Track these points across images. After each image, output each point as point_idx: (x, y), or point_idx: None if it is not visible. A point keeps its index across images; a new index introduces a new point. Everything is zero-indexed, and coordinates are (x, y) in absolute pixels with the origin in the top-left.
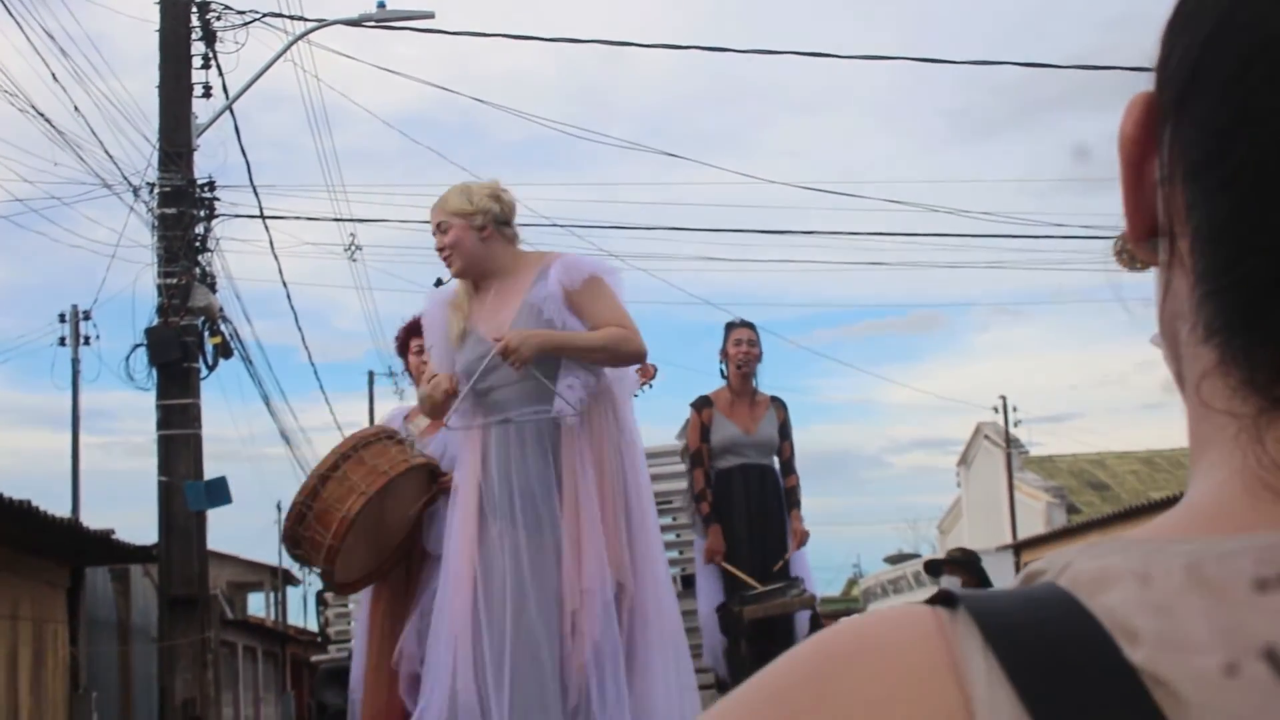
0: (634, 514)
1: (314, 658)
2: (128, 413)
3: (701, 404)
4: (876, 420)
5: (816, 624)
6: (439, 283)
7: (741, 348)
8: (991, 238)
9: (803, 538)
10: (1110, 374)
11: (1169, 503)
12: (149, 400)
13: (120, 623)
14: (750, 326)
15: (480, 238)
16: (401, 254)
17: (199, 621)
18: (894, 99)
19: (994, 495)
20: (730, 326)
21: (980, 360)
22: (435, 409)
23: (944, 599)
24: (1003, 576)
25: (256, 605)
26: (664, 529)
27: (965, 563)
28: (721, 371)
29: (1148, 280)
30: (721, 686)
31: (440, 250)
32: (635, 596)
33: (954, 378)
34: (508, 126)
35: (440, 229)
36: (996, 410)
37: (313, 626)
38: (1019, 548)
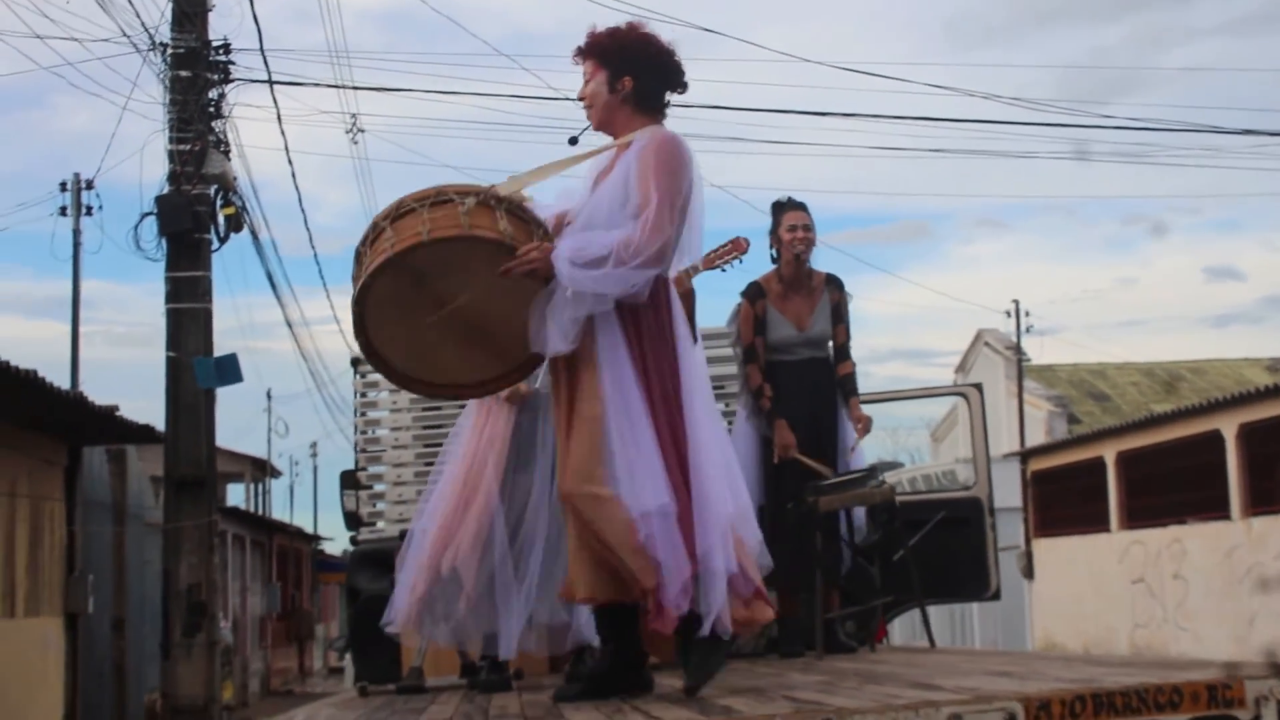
0: None
1: (358, 537)
2: (118, 303)
3: (754, 293)
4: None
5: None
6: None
7: (797, 233)
8: (1024, 125)
9: (866, 424)
10: (1089, 289)
11: (1172, 417)
12: (148, 288)
13: (115, 504)
14: (802, 208)
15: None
16: (413, 126)
17: (205, 504)
18: (888, 8)
19: (992, 403)
20: (781, 207)
21: (960, 271)
22: None
23: None
24: (1009, 484)
25: (236, 497)
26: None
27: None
28: (773, 256)
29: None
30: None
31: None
32: None
33: (938, 287)
34: (494, 20)
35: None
36: (1009, 314)
37: (298, 521)
38: (1026, 455)
